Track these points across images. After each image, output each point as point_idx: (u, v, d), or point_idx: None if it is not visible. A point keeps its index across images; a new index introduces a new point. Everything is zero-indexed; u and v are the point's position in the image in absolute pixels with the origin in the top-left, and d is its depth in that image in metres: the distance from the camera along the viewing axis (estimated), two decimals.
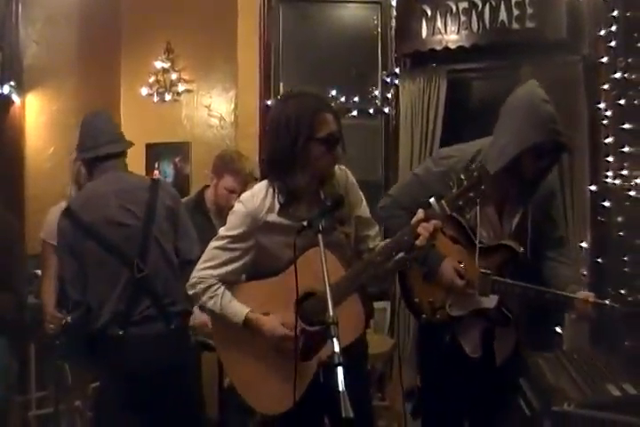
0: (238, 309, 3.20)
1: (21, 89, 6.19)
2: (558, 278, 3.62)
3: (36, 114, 6.36)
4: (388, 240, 3.11)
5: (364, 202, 3.37)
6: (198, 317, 3.94)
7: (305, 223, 2.89)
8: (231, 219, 3.26)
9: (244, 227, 3.20)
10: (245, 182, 4.77)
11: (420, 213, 2.96)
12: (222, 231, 3.27)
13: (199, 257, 3.35)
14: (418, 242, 2.95)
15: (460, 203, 2.90)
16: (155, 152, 6.49)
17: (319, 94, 3.29)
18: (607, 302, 3.44)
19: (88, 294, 3.77)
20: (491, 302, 3.57)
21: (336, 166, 3.26)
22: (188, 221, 3.95)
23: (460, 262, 3.55)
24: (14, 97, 6.12)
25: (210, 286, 3.24)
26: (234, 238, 3.23)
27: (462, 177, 2.89)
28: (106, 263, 3.75)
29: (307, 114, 3.11)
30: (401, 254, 3.03)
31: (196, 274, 3.29)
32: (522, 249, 3.58)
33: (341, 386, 2.24)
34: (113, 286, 3.73)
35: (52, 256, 4.76)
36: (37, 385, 5.30)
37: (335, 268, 3.02)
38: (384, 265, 3.06)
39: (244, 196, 3.27)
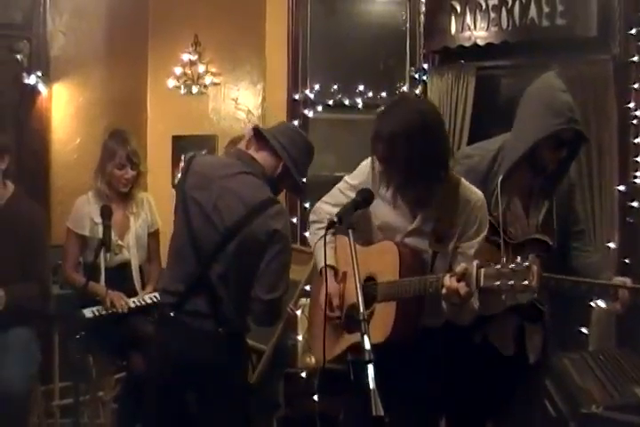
0: (321, 257, 3.30)
1: (48, 80, 6.19)
2: (589, 267, 3.60)
3: (63, 105, 6.36)
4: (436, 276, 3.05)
5: (477, 241, 3.20)
6: None
7: (335, 219, 2.93)
8: (357, 169, 3.40)
9: (361, 179, 3.32)
10: None
11: (460, 269, 2.90)
12: (347, 176, 3.44)
13: (266, 301, 3.48)
14: (443, 293, 2.93)
15: (497, 284, 2.78)
16: (181, 145, 6.48)
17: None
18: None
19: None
20: (527, 296, 3.53)
21: (475, 190, 3.23)
22: (280, 267, 3.58)
23: (490, 261, 3.50)
24: (41, 87, 6.13)
25: (318, 222, 3.48)
26: (349, 185, 3.38)
27: (515, 266, 2.75)
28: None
29: None
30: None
31: (318, 204, 3.56)
32: (552, 242, 3.55)
33: (372, 384, 2.24)
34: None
35: (73, 244, 4.79)
36: (61, 375, 5.31)
37: (389, 266, 3.10)
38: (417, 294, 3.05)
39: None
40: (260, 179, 3.58)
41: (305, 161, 3.71)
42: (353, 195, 3.22)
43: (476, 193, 3.22)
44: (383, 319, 3.07)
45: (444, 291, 2.89)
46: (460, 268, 2.87)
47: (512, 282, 2.70)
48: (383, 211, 3.21)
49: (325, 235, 3.03)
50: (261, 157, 3.63)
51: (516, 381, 3.62)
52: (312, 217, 3.54)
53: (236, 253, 3.46)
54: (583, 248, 3.74)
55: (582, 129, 3.47)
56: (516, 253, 3.49)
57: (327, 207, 3.44)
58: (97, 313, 4.51)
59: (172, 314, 3.55)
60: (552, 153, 3.45)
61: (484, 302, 3.14)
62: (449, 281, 2.86)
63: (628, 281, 3.46)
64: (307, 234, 3.67)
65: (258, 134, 3.68)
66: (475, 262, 2.85)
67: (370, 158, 3.26)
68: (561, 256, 3.65)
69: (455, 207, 3.16)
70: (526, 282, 2.67)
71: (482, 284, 2.79)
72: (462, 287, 2.82)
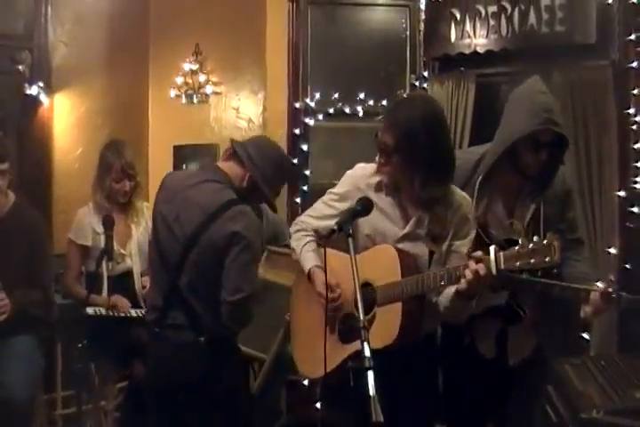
0: (311, 260, 3.36)
1: (50, 90, 6.22)
2: (574, 276, 3.60)
3: (65, 115, 6.38)
4: (444, 268, 3.10)
5: (469, 239, 3.29)
6: None
7: (335, 227, 2.93)
8: (341, 179, 3.45)
9: (347, 188, 3.37)
10: None
11: (477, 254, 2.92)
12: (332, 189, 3.46)
13: (234, 302, 3.47)
14: (459, 286, 2.95)
15: (518, 264, 2.81)
16: (182, 154, 6.51)
17: (400, 104, 3.31)
18: (623, 294, 3.39)
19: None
20: (501, 298, 3.55)
21: (463, 194, 3.32)
22: (243, 267, 3.55)
23: None
24: (43, 98, 6.15)
25: (302, 230, 3.49)
26: (335, 196, 3.42)
27: (534, 245, 2.82)
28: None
29: None
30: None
31: (299, 218, 3.60)
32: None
33: (372, 390, 2.25)
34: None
35: (75, 255, 4.80)
36: (64, 384, 5.31)
37: (391, 270, 3.11)
38: (427, 291, 3.08)
39: (359, 164, 3.44)
40: (222, 184, 3.61)
41: (275, 173, 3.70)
42: (339, 205, 3.32)
43: (466, 196, 3.33)
44: (388, 322, 3.08)
45: (463, 281, 2.91)
46: (476, 253, 2.92)
47: (533, 260, 2.76)
48: (373, 218, 3.21)
49: (325, 244, 3.03)
50: (228, 166, 3.68)
51: (505, 384, 3.63)
52: (295, 227, 3.55)
53: (199, 260, 3.50)
54: (574, 257, 3.71)
55: (563, 131, 3.47)
56: None
57: (311, 220, 3.48)
58: (98, 312, 4.50)
59: (156, 330, 3.61)
60: (532, 155, 3.45)
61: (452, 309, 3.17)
62: (471, 270, 2.89)
63: (600, 285, 3.45)
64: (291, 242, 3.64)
65: (234, 146, 3.75)
66: (493, 247, 2.89)
67: (357, 168, 3.37)
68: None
69: (448, 209, 3.23)
70: (548, 258, 2.73)
71: (502, 266, 2.83)
72: (481, 268, 2.85)
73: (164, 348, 3.60)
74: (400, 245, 3.19)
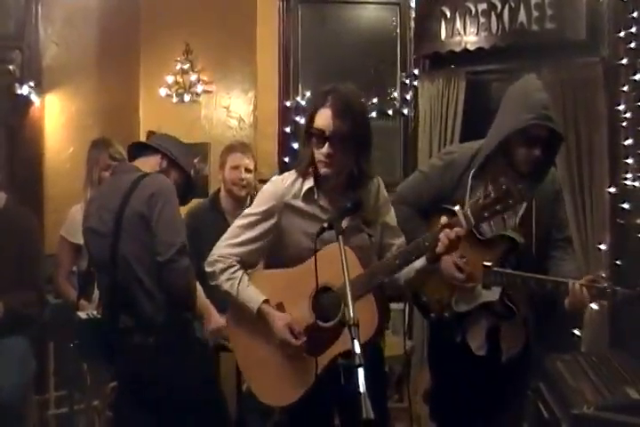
0: (254, 296, 3.23)
1: (41, 90, 6.20)
2: (560, 275, 3.61)
3: (56, 114, 6.36)
4: (408, 245, 3.13)
5: (392, 212, 3.38)
6: (214, 322, 3.93)
7: (325, 225, 2.92)
8: (258, 197, 3.34)
9: (269, 204, 3.24)
10: (249, 157, 4.91)
11: (444, 219, 2.97)
12: (247, 210, 3.33)
13: (171, 258, 3.49)
14: (437, 249, 2.97)
15: (486, 214, 2.91)
16: None
17: (336, 89, 3.22)
18: (606, 284, 3.40)
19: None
20: (494, 294, 3.56)
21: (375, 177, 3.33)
22: (168, 221, 3.62)
23: (463, 257, 3.53)
24: (33, 98, 6.13)
25: (228, 267, 3.27)
26: (257, 216, 3.26)
27: (490, 190, 2.90)
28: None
29: (312, 104, 3.28)
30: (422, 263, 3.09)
31: (216, 251, 3.32)
32: (522, 240, 3.57)
33: (362, 387, 2.25)
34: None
35: (67, 253, 4.80)
36: (56, 384, 5.31)
37: (354, 266, 3.00)
38: (401, 269, 3.10)
39: (274, 177, 3.37)
40: (134, 173, 3.73)
41: (182, 148, 3.99)
42: (265, 224, 3.25)
43: (375, 176, 3.34)
44: (365, 317, 2.98)
45: (440, 246, 2.96)
46: (442, 219, 3.00)
47: (498, 207, 2.87)
48: (308, 226, 3.18)
49: (316, 242, 2.93)
50: (139, 162, 3.86)
51: (495, 380, 3.64)
52: (216, 267, 3.28)
53: (130, 243, 3.58)
54: (561, 257, 3.72)
55: (557, 128, 3.49)
56: (486, 249, 3.53)
57: (231, 250, 3.29)
58: (91, 315, 4.49)
59: (113, 336, 3.70)
60: (526, 150, 3.46)
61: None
62: (445, 234, 2.93)
63: (586, 278, 3.45)
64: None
65: (132, 148, 3.97)
66: (457, 207, 2.98)
67: (275, 182, 3.31)
68: (538, 263, 3.67)
69: (369, 193, 3.27)
70: (511, 201, 2.84)
71: (473, 221, 2.91)
72: (460, 231, 2.91)
73: (123, 352, 3.69)
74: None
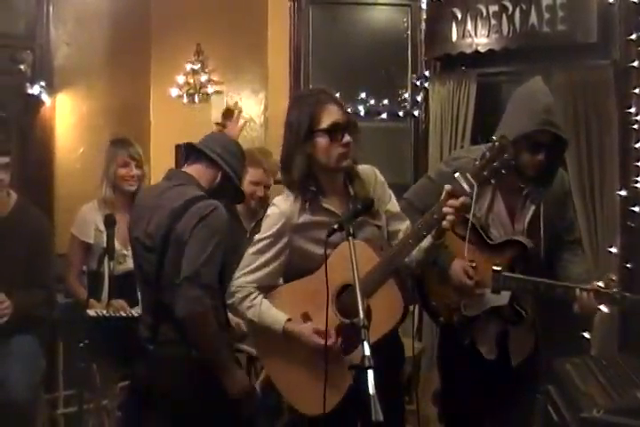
0: (277, 318, 3.27)
1: (52, 90, 6.22)
2: (574, 278, 3.62)
3: (67, 114, 6.38)
4: (417, 222, 3.16)
5: (394, 199, 3.42)
6: (239, 382, 3.89)
7: (336, 226, 2.92)
8: (265, 221, 3.36)
9: (278, 226, 3.28)
10: (269, 174, 4.80)
11: (448, 188, 2.96)
12: (257, 236, 3.35)
13: (189, 277, 3.37)
14: (445, 222, 3.00)
15: (485, 173, 2.93)
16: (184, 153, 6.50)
17: (325, 89, 3.34)
18: (615, 290, 3.41)
19: None
20: (503, 299, 3.56)
21: (365, 166, 3.38)
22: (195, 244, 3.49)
23: (472, 262, 3.54)
24: (44, 97, 6.15)
25: (247, 295, 3.32)
26: (268, 240, 3.30)
27: (485, 150, 2.91)
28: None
29: (309, 107, 3.22)
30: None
31: (234, 282, 3.37)
32: (531, 244, 3.58)
33: (372, 389, 2.26)
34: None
35: (77, 251, 4.80)
36: (65, 383, 5.31)
37: (371, 259, 3.12)
38: (415, 247, 3.14)
39: (277, 198, 3.37)
40: (188, 186, 3.58)
41: (241, 165, 3.78)
42: (277, 246, 3.29)
43: (370, 167, 3.42)
44: (389, 303, 3.12)
45: (449, 216, 2.98)
46: (445, 187, 3.02)
47: (496, 163, 2.89)
48: (313, 235, 3.23)
49: (326, 242, 2.95)
50: (194, 169, 3.67)
51: (504, 384, 3.64)
52: (237, 296, 3.35)
53: (174, 265, 3.44)
54: (569, 259, 3.74)
55: (561, 132, 3.48)
56: (495, 254, 3.53)
57: (246, 278, 3.34)
58: (100, 313, 4.49)
59: (150, 347, 3.60)
60: (530, 155, 3.47)
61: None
62: (449, 204, 2.97)
63: (595, 284, 3.46)
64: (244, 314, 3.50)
65: (190, 149, 3.76)
66: (456, 174, 3.01)
67: (278, 202, 3.33)
68: (547, 265, 3.67)
69: (366, 184, 3.32)
70: (507, 155, 2.86)
71: (474, 182, 2.93)
72: (465, 200, 2.96)
73: (158, 364, 3.60)
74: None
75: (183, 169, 3.72)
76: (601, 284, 3.44)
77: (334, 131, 3.18)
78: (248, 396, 3.56)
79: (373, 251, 3.16)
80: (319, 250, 3.13)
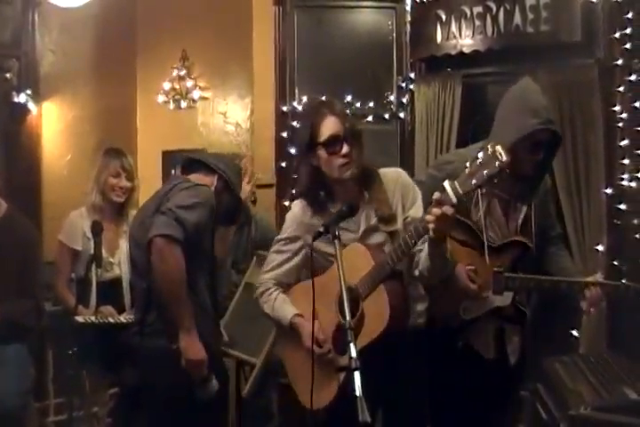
0: (286, 312, 3.44)
1: (38, 97, 6.23)
2: (565, 271, 3.65)
3: (53, 122, 6.39)
4: (407, 229, 3.17)
5: (418, 203, 3.39)
6: (194, 353, 3.91)
7: (321, 229, 2.97)
8: (286, 224, 3.54)
9: (293, 227, 3.48)
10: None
11: (436, 196, 2.96)
12: (277, 237, 3.56)
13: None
14: (430, 232, 2.98)
15: (474, 182, 2.83)
16: (171, 159, 6.51)
17: (326, 101, 3.41)
18: (632, 284, 3.47)
19: None
20: (505, 299, 3.57)
21: (390, 169, 3.47)
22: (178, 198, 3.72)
23: (472, 265, 3.54)
24: (31, 105, 6.16)
25: (266, 290, 3.54)
26: (284, 241, 3.51)
27: (476, 157, 2.86)
28: None
29: (309, 121, 3.34)
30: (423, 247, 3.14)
31: (258, 279, 3.63)
32: (532, 244, 3.60)
33: (358, 391, 2.27)
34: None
35: (65, 258, 4.80)
36: (55, 391, 5.31)
37: (367, 264, 3.17)
38: (405, 255, 3.14)
39: (295, 202, 3.54)
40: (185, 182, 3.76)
41: (237, 176, 4.01)
42: (291, 246, 3.47)
43: (395, 170, 3.48)
44: (377, 307, 3.12)
45: (431, 224, 2.91)
46: (435, 195, 2.91)
47: (486, 171, 2.75)
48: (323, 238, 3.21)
49: (312, 245, 3.06)
50: (195, 178, 3.84)
51: (499, 383, 3.64)
52: (258, 292, 3.57)
53: None
54: (558, 252, 3.79)
55: (559, 130, 3.52)
56: (497, 255, 3.53)
57: (268, 275, 3.55)
58: (88, 320, 4.49)
59: (137, 339, 3.71)
60: (529, 155, 3.48)
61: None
62: (432, 212, 2.90)
63: (598, 276, 3.49)
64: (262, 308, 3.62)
65: (187, 161, 3.97)
66: (446, 182, 2.89)
67: (294, 207, 3.50)
68: (538, 260, 3.69)
69: (384, 189, 3.36)
70: (497, 163, 2.72)
71: (461, 191, 2.83)
72: (448, 209, 2.85)
73: (144, 358, 3.69)
74: (366, 242, 3.31)
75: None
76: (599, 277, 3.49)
77: (332, 143, 3.25)
78: (198, 369, 3.61)
79: (372, 256, 3.20)
80: (330, 250, 3.19)
